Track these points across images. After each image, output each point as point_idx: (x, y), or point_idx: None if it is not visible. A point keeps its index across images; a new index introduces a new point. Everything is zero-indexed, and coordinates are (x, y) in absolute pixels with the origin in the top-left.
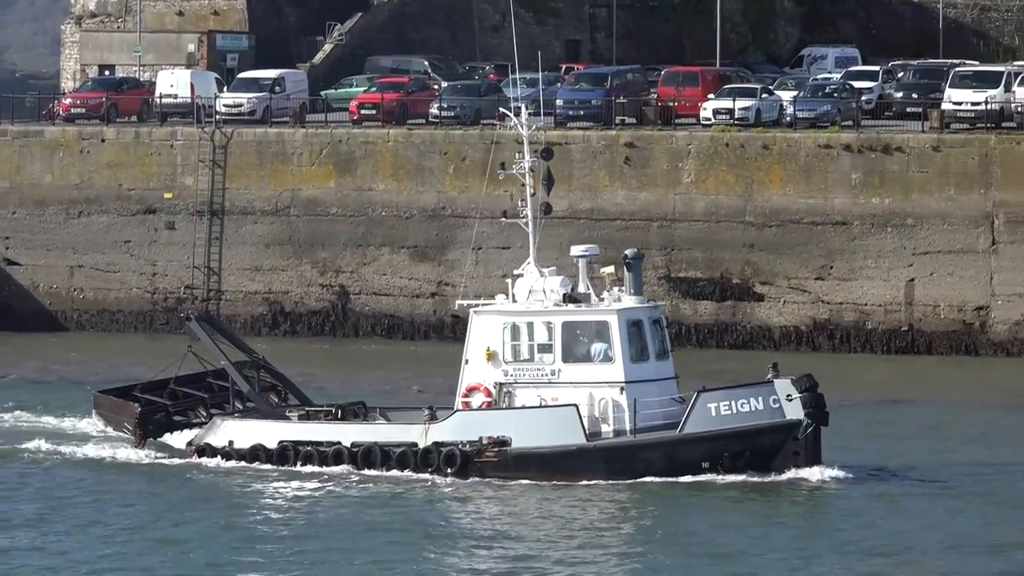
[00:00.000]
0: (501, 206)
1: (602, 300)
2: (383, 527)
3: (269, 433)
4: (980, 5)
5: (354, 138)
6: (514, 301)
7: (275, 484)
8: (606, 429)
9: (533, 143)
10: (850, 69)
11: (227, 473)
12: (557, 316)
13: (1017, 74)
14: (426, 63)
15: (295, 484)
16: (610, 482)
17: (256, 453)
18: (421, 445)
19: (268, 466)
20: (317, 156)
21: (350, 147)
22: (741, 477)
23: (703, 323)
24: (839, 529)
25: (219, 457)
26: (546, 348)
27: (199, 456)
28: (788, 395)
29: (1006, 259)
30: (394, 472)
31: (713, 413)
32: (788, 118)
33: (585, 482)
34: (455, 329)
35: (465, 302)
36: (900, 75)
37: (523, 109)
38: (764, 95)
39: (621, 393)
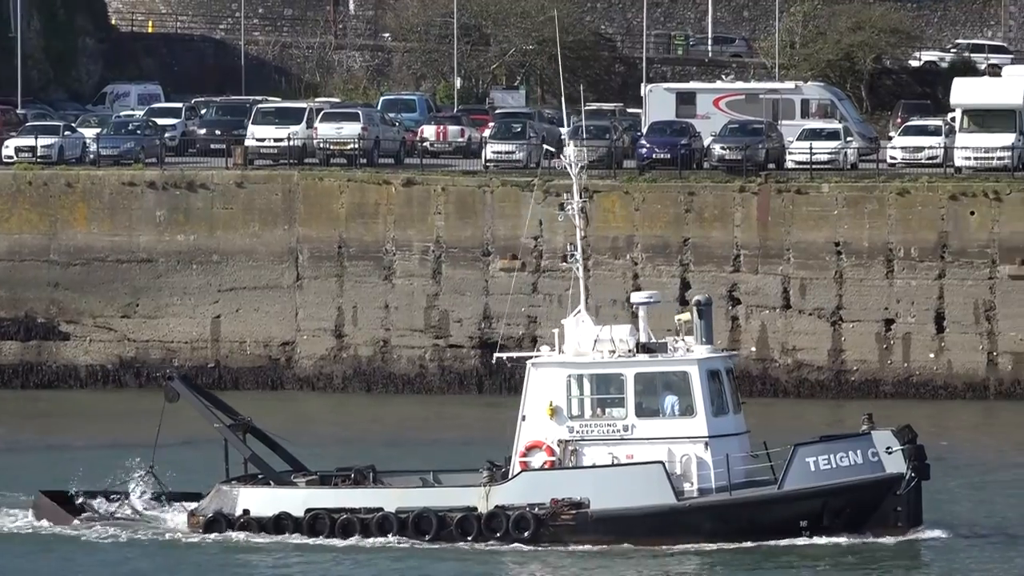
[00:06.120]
0: None
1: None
2: None
3: (293, 500)
4: (282, 43)
5: None
6: (561, 352)
7: (314, 559)
8: (689, 487)
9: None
10: (153, 106)
11: (252, 549)
12: (629, 367)
13: (319, 110)
14: None
15: (339, 559)
16: (703, 544)
17: (281, 523)
18: (482, 509)
19: (298, 537)
20: None
21: None
22: (839, 536)
23: (8, 363)
24: None
25: (234, 529)
26: (617, 402)
27: (207, 529)
28: (888, 447)
29: (310, 294)
30: (448, 540)
31: (812, 468)
32: (91, 156)
33: (676, 545)
34: None
35: (505, 355)
36: (203, 112)
37: (571, 147)
38: (67, 132)
39: (705, 449)
